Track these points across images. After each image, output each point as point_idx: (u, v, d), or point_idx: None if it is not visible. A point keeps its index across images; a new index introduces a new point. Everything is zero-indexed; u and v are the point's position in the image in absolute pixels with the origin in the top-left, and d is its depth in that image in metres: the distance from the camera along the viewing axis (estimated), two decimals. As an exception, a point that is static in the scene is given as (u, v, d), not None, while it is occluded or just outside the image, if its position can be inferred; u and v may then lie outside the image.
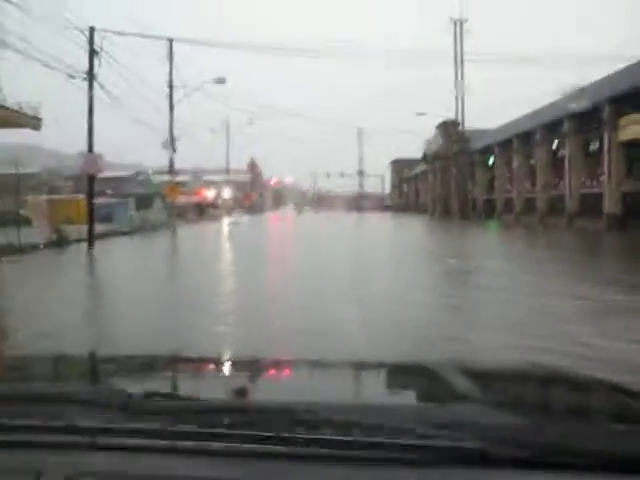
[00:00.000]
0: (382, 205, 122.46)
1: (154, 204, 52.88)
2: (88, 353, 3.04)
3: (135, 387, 1.47)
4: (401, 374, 2.13)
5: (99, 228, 35.07)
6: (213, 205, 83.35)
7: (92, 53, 20.21)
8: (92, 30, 20.45)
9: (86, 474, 1.08)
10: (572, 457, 1.11)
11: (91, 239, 22.38)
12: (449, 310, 10.16)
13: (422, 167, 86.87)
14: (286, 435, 1.15)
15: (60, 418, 1.22)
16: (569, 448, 1.13)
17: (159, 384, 1.80)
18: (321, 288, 12.70)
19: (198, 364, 2.33)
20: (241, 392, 1.53)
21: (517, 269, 15.96)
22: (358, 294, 11.81)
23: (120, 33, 22.64)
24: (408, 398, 1.84)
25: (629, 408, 1.63)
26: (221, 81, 37.18)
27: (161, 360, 2.33)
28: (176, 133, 36.62)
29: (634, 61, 30.84)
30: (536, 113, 43.87)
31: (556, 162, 41.37)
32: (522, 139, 46.56)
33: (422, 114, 62.14)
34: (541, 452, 1.11)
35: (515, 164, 48.29)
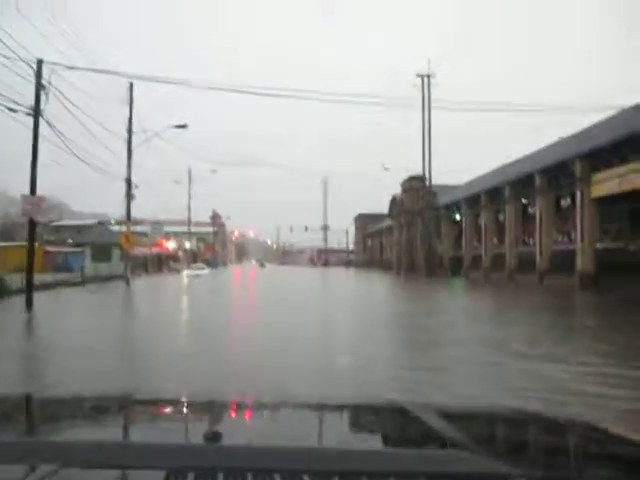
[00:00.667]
0: (346, 260, 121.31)
1: (112, 254, 50.90)
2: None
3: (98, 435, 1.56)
4: (380, 417, 2.07)
5: (49, 278, 33.18)
6: (174, 257, 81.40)
7: (39, 86, 18.63)
8: (40, 63, 18.95)
9: None
10: None
11: (29, 291, 20.24)
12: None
13: (387, 222, 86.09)
14: None
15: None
16: None
17: (131, 433, 1.72)
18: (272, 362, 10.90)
19: (152, 406, 2.24)
20: (210, 437, 1.37)
21: (474, 335, 14.33)
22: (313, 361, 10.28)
23: (71, 67, 21.04)
24: (394, 444, 1.75)
25: (606, 448, 1.64)
26: (183, 126, 35.77)
27: (116, 402, 2.25)
28: (136, 180, 35.07)
29: (608, 113, 30.28)
30: (504, 168, 43.26)
31: (526, 218, 40.56)
32: (490, 195, 45.84)
33: (387, 169, 61.64)
34: None
35: (483, 220, 47.50)
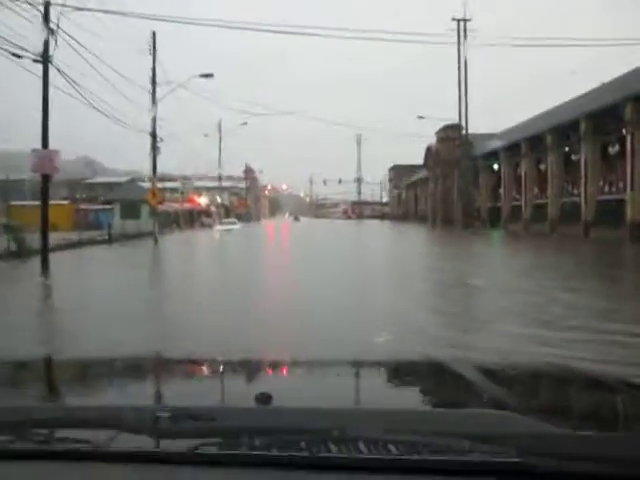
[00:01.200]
0: (381, 213, 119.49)
1: (141, 211, 50.06)
2: (82, 359, 2.78)
3: (151, 400, 1.66)
4: (422, 374, 2.09)
5: (77, 236, 32.38)
6: (206, 212, 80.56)
7: (47, 29, 17.29)
8: (47, 4, 17.57)
9: None
10: (620, 468, 1.07)
11: (45, 251, 19.13)
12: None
13: (422, 173, 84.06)
14: (320, 455, 1.13)
15: (92, 442, 1.20)
16: (616, 459, 1.09)
17: (176, 396, 1.72)
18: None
19: (199, 366, 2.29)
20: (260, 399, 1.41)
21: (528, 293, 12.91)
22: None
23: (81, 9, 19.57)
24: (435, 403, 1.77)
25: None
26: (209, 75, 34.17)
27: (161, 364, 2.31)
28: (162, 134, 33.76)
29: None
30: (548, 114, 41.17)
31: (570, 167, 38.55)
32: (531, 143, 43.74)
33: (422, 117, 59.47)
34: (590, 465, 1.08)
35: (523, 169, 45.46)
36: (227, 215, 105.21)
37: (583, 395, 1.85)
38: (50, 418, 1.36)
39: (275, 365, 2.28)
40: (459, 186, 59.90)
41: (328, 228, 71.98)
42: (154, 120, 32.41)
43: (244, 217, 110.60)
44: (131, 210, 50.40)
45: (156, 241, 33.64)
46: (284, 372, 2.18)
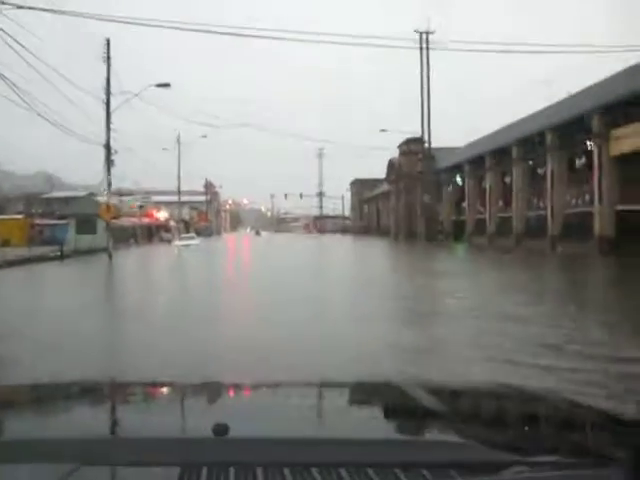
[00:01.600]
0: (343, 227, 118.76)
1: (97, 226, 48.40)
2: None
3: (104, 430, 1.60)
4: (379, 397, 2.10)
5: (27, 252, 30.82)
6: (166, 227, 78.85)
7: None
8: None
9: None
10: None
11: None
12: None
13: (384, 187, 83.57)
14: None
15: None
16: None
17: (129, 426, 1.67)
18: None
19: (153, 392, 2.25)
20: (221, 430, 1.38)
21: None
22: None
23: (21, 7, 18.19)
24: (395, 430, 1.77)
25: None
26: (165, 85, 32.83)
27: (113, 389, 2.27)
28: (118, 146, 32.34)
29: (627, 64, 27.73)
30: (513, 126, 40.77)
31: (535, 180, 38.11)
32: (496, 156, 43.38)
33: (385, 130, 58.85)
34: None
35: (488, 182, 45.01)
36: (187, 230, 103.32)
37: (531, 419, 1.83)
38: None
39: (232, 390, 2.26)
40: (422, 200, 59.39)
41: (289, 243, 70.95)
42: (108, 131, 31.01)
43: (205, 231, 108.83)
44: (87, 225, 48.63)
45: (110, 257, 32.16)
46: (241, 398, 2.15)
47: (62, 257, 32.75)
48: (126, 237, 60.21)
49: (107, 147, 31.17)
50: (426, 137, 58.16)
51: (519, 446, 1.42)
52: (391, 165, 72.22)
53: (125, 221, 68.09)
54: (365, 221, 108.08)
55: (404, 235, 66.15)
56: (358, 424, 1.73)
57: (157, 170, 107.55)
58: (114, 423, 1.78)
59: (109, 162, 31.24)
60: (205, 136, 63.47)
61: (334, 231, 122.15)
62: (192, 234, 58.93)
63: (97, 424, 1.71)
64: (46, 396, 2.10)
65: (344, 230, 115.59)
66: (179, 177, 69.74)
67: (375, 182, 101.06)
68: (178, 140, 68.07)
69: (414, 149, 65.39)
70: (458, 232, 51.97)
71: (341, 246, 57.72)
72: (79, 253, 37.69)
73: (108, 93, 30.57)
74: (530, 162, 38.48)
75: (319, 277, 21.12)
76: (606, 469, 1.18)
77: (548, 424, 1.79)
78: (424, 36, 57.03)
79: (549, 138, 34.23)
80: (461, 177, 51.74)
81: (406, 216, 66.92)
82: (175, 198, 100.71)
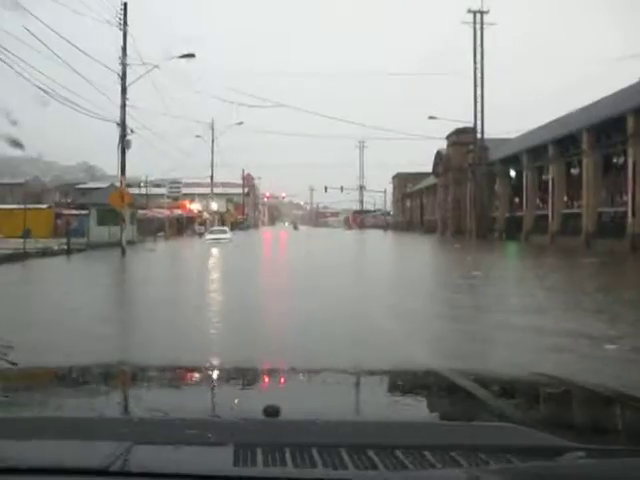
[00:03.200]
0: (384, 222, 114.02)
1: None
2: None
3: (160, 411, 1.53)
4: (421, 384, 2.10)
5: (49, 243, 27.41)
6: (199, 220, 75.24)
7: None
8: None
9: None
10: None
11: None
12: None
13: (430, 181, 78.94)
14: (336, 471, 1.12)
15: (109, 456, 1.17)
16: (621, 471, 1.10)
17: (178, 407, 1.63)
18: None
19: (197, 376, 2.31)
20: (273, 412, 1.39)
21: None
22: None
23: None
24: (440, 415, 1.78)
25: None
26: (190, 56, 28.85)
27: (166, 373, 2.29)
28: (134, 126, 28.47)
29: None
30: (584, 111, 36.01)
31: (610, 171, 33.35)
32: (561, 145, 38.63)
33: (434, 118, 54.32)
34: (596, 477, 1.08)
35: (551, 175, 40.23)
36: (222, 223, 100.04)
37: (578, 406, 1.85)
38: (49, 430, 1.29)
39: (278, 374, 2.29)
40: (473, 194, 54.76)
41: (329, 237, 66.79)
42: (123, 107, 27.13)
43: (242, 225, 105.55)
44: (108, 216, 45.00)
45: (123, 253, 28.38)
46: (288, 382, 2.16)
47: (69, 251, 29.03)
48: (154, 230, 56.77)
49: (122, 125, 27.26)
50: (479, 126, 53.58)
51: (572, 432, 1.39)
52: (439, 157, 67.51)
53: (156, 213, 64.78)
54: (407, 216, 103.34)
55: (452, 232, 61.58)
56: (408, 408, 1.71)
57: (192, 159, 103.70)
58: (166, 404, 1.68)
59: (123, 142, 27.36)
60: (241, 123, 59.67)
61: (375, 226, 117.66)
62: (224, 227, 54.68)
63: (149, 405, 1.67)
64: (97, 377, 2.11)
65: (385, 226, 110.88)
66: (212, 166, 65.91)
67: (418, 176, 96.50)
68: (212, 126, 64.07)
69: (464, 140, 60.80)
70: (512, 229, 47.28)
71: (383, 244, 53.44)
72: (96, 246, 34.00)
73: (124, 64, 26.72)
74: (607, 151, 33.68)
75: (371, 284, 16.96)
76: None
77: (596, 411, 1.75)
78: (478, 16, 52.56)
79: (630, 123, 29.46)
80: (517, 169, 46.93)
81: (454, 211, 62.34)
82: (214, 190, 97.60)
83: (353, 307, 11.79)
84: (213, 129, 63.89)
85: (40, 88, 20.79)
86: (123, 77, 26.97)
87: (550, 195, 40.35)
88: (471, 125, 57.57)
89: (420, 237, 63.02)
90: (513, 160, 47.78)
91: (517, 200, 48.30)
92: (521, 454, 1.16)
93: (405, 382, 2.13)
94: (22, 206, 47.68)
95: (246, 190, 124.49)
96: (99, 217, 44.88)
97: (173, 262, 27.96)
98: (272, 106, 37.88)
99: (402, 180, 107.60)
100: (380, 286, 15.71)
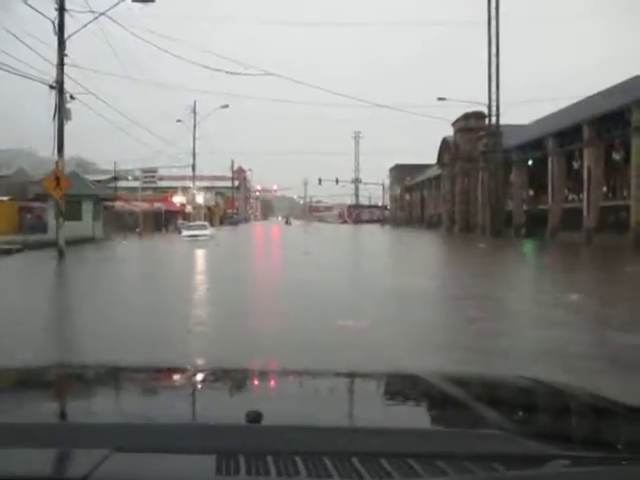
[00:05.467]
0: (382, 217, 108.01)
1: (82, 210, 38.81)
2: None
3: (138, 416, 1.50)
4: (402, 388, 2.08)
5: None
6: (183, 214, 69.10)
7: None
8: None
9: None
10: None
11: None
12: None
13: (433, 172, 73.02)
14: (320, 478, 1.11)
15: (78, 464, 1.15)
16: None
17: (159, 411, 1.62)
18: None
19: (179, 378, 2.21)
20: (255, 417, 1.37)
21: None
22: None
23: None
24: (427, 421, 1.76)
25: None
26: (147, 0, 22.41)
27: (147, 375, 2.21)
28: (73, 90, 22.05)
29: None
30: (628, 84, 30.12)
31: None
32: (601, 124, 32.72)
33: (443, 99, 48.26)
34: None
35: (587, 161, 34.32)
36: (210, 217, 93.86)
37: (564, 413, 1.80)
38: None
39: (260, 377, 2.23)
40: (487, 185, 48.78)
41: (324, 232, 60.83)
42: (61, 65, 20.80)
43: (232, 220, 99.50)
44: (70, 209, 38.95)
45: (61, 255, 22.24)
46: (270, 386, 2.09)
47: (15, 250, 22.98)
48: (127, 225, 50.80)
49: (59, 88, 20.83)
50: (493, 108, 47.55)
51: (558, 439, 1.37)
52: (445, 145, 61.44)
53: (134, 206, 58.82)
54: (407, 211, 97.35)
55: (460, 228, 55.67)
56: (391, 414, 1.69)
57: (176, 149, 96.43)
58: (146, 409, 1.67)
59: (61, 111, 21.10)
60: (227, 105, 53.44)
61: (371, 221, 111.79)
62: (203, 223, 48.07)
63: (128, 410, 1.65)
64: (75, 379, 2.06)
65: (383, 220, 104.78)
66: (194, 154, 59.44)
67: (419, 167, 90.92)
68: (194, 110, 57.50)
69: (474, 125, 54.90)
70: (533, 225, 41.40)
71: (386, 242, 47.55)
72: (46, 245, 27.93)
73: (61, 8, 20.43)
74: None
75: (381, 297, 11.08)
76: None
77: (583, 418, 1.74)
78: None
79: None
80: (540, 156, 40.96)
81: (462, 205, 56.43)
82: (201, 183, 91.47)
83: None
84: (195, 112, 57.31)
85: None
86: (60, 26, 20.76)
87: (585, 185, 34.40)
88: (481, 110, 51.91)
89: (426, 234, 56.94)
90: (534, 146, 41.86)
91: (537, 192, 42.42)
92: (506, 462, 1.15)
93: (390, 387, 2.10)
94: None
95: (237, 183, 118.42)
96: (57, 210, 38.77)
97: (112, 275, 20.51)
98: (259, 74, 30.83)
99: (401, 172, 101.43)
100: (433, 332, 9.49)
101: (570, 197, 38.14)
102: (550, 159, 39.40)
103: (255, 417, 1.34)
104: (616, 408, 1.78)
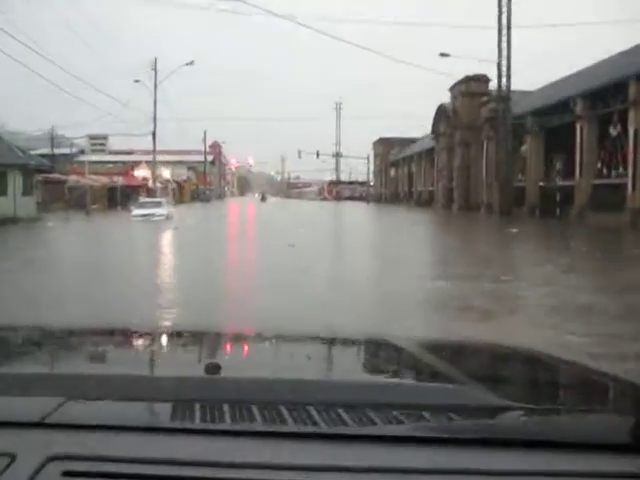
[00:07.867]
0: (365, 193, 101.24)
1: (8, 184, 31.60)
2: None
3: (101, 368, 1.63)
4: (368, 349, 2.13)
5: None
6: (147, 190, 61.65)
7: None
8: None
9: (70, 455, 1.01)
10: (565, 438, 1.09)
11: None
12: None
13: (423, 144, 66.39)
14: (276, 425, 1.11)
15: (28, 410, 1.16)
16: (563, 430, 1.12)
17: (122, 365, 1.64)
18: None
19: (147, 337, 2.18)
20: (214, 369, 1.40)
21: None
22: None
23: None
24: (389, 375, 1.75)
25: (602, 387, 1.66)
26: None
27: (107, 334, 2.17)
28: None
29: None
30: None
31: None
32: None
33: (446, 55, 41.44)
34: (539, 434, 1.10)
35: (633, 125, 27.74)
36: (180, 193, 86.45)
37: (522, 370, 1.87)
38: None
39: (226, 336, 2.25)
40: (495, 157, 42.09)
41: (303, 210, 54.06)
42: None
43: (202, 197, 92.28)
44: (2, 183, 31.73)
45: None
46: (234, 344, 2.12)
47: None
48: (78, 202, 43.77)
49: None
50: (504, 70, 40.72)
51: (516, 393, 1.44)
52: (441, 112, 54.54)
53: (88, 181, 51.61)
54: (392, 187, 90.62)
55: (459, 206, 49.05)
56: (352, 369, 1.73)
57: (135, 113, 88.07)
58: (103, 361, 1.75)
59: None
60: (192, 62, 46.01)
61: (352, 198, 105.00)
62: (159, 200, 40.53)
63: (85, 362, 1.70)
64: (36, 337, 2.02)
65: (367, 197, 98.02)
66: (155, 120, 51.95)
67: (404, 141, 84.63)
68: (154, 68, 49.62)
69: (476, 89, 48.20)
70: (552, 203, 34.77)
71: (374, 222, 40.91)
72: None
73: None
74: None
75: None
76: (610, 415, 1.28)
77: (540, 375, 1.81)
78: None
79: None
80: (565, 122, 34.25)
81: (461, 180, 49.80)
82: (171, 157, 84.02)
83: None
84: (156, 70, 49.44)
85: None
86: None
87: (632, 156, 27.80)
88: (484, 74, 45.44)
89: (421, 213, 49.92)
90: (555, 110, 35.22)
91: (559, 165, 35.81)
92: (463, 413, 1.19)
93: (354, 346, 2.12)
94: None
95: (211, 158, 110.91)
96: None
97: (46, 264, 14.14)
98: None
99: (386, 146, 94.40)
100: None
101: (604, 171, 31.60)
102: (578, 125, 32.77)
103: (213, 369, 1.36)
104: (571, 367, 1.88)
